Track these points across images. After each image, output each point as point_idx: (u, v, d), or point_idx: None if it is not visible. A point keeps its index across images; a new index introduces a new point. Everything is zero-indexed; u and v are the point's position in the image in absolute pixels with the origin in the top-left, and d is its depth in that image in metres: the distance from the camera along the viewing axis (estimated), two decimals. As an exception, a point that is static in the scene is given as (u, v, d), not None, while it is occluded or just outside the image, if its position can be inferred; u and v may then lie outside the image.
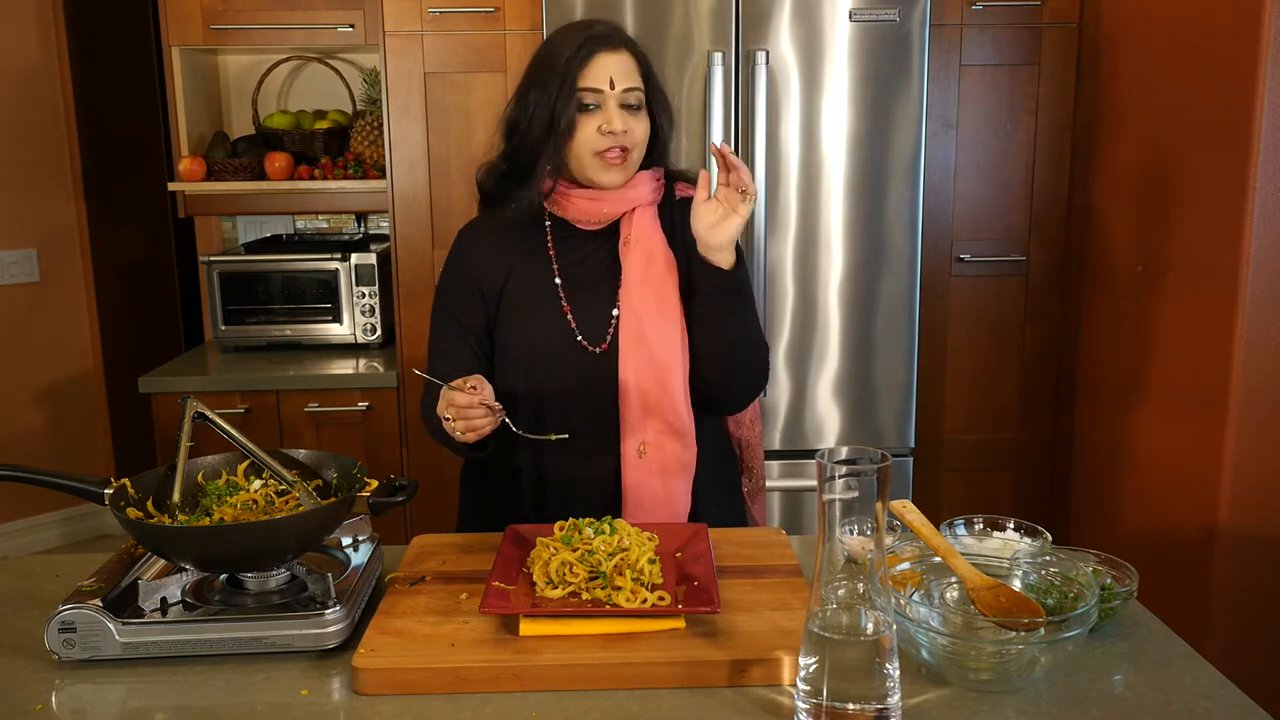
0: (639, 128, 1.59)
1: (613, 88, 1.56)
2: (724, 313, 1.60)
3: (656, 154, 1.67)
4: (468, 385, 1.43)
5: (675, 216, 1.67)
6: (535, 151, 1.59)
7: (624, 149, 1.58)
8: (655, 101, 1.63)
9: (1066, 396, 2.91)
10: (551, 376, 1.62)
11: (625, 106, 1.58)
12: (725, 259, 1.55)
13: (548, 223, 1.67)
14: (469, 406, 1.41)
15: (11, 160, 3.67)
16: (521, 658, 1.14)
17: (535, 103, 1.58)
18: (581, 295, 1.64)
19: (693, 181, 1.74)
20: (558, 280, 1.64)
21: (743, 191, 1.48)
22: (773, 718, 1.08)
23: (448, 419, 1.44)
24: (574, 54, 1.56)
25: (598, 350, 1.62)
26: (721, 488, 1.74)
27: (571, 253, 1.66)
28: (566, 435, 1.52)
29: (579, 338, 1.62)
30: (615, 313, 1.62)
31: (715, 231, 1.52)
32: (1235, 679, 1.14)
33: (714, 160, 1.51)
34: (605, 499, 1.61)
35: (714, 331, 1.61)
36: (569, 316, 1.62)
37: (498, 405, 1.44)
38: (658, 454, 1.60)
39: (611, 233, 1.66)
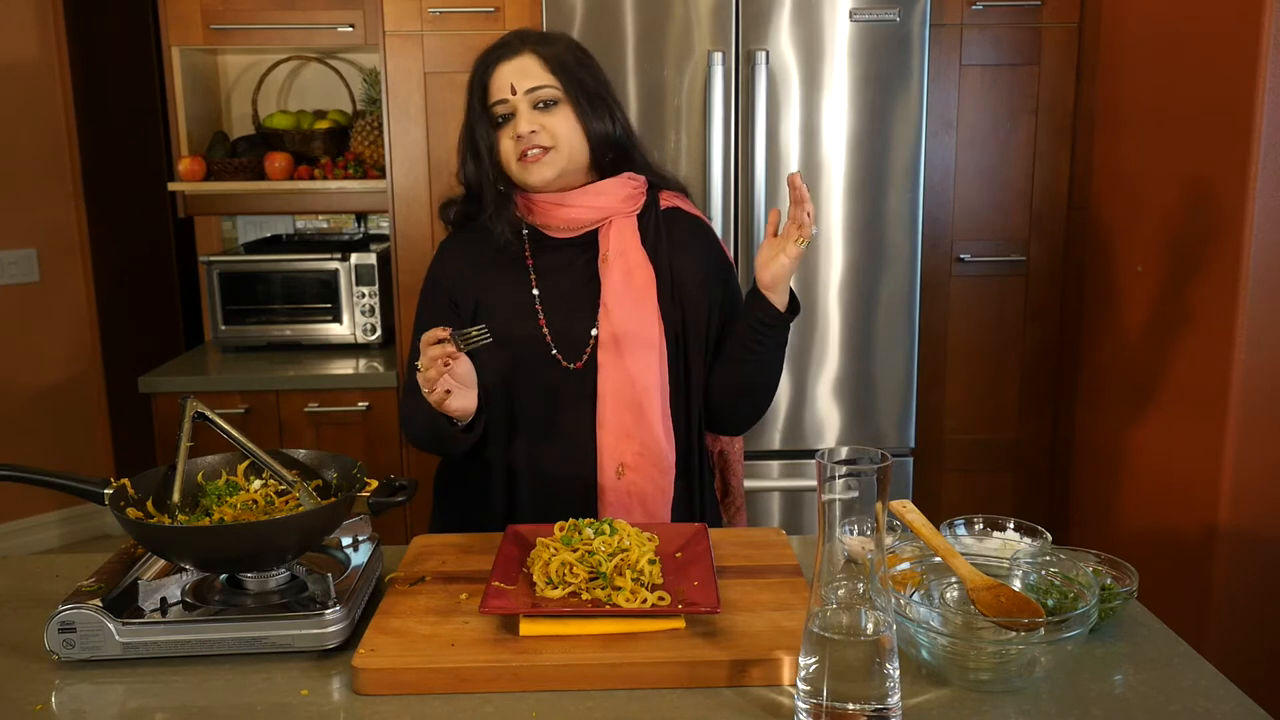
0: (555, 123, 1.55)
1: (515, 93, 1.55)
2: (754, 353, 1.57)
3: (619, 158, 1.62)
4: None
5: (660, 226, 1.64)
6: (480, 179, 1.60)
7: (542, 147, 1.55)
8: (577, 97, 1.56)
9: (1066, 396, 2.91)
10: (526, 388, 1.61)
11: (537, 107, 1.56)
12: (777, 300, 1.52)
13: (525, 232, 1.65)
14: (431, 343, 1.39)
15: (11, 160, 3.67)
16: (521, 658, 1.14)
17: (465, 134, 1.61)
18: (560, 311, 1.61)
19: (680, 190, 1.73)
20: (535, 292, 1.62)
21: (799, 228, 1.43)
22: (773, 718, 1.08)
23: (427, 391, 1.43)
24: (476, 76, 1.58)
25: (573, 367, 1.60)
26: (700, 505, 1.71)
27: (550, 264, 1.64)
28: (489, 337, 1.41)
29: (554, 352, 1.60)
30: (594, 332, 1.60)
31: (763, 270, 1.49)
32: (1235, 679, 1.14)
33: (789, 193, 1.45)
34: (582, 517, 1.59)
35: (736, 367, 1.60)
36: (544, 330, 1.60)
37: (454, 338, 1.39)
38: (636, 475, 1.58)
39: (590, 243, 1.63)
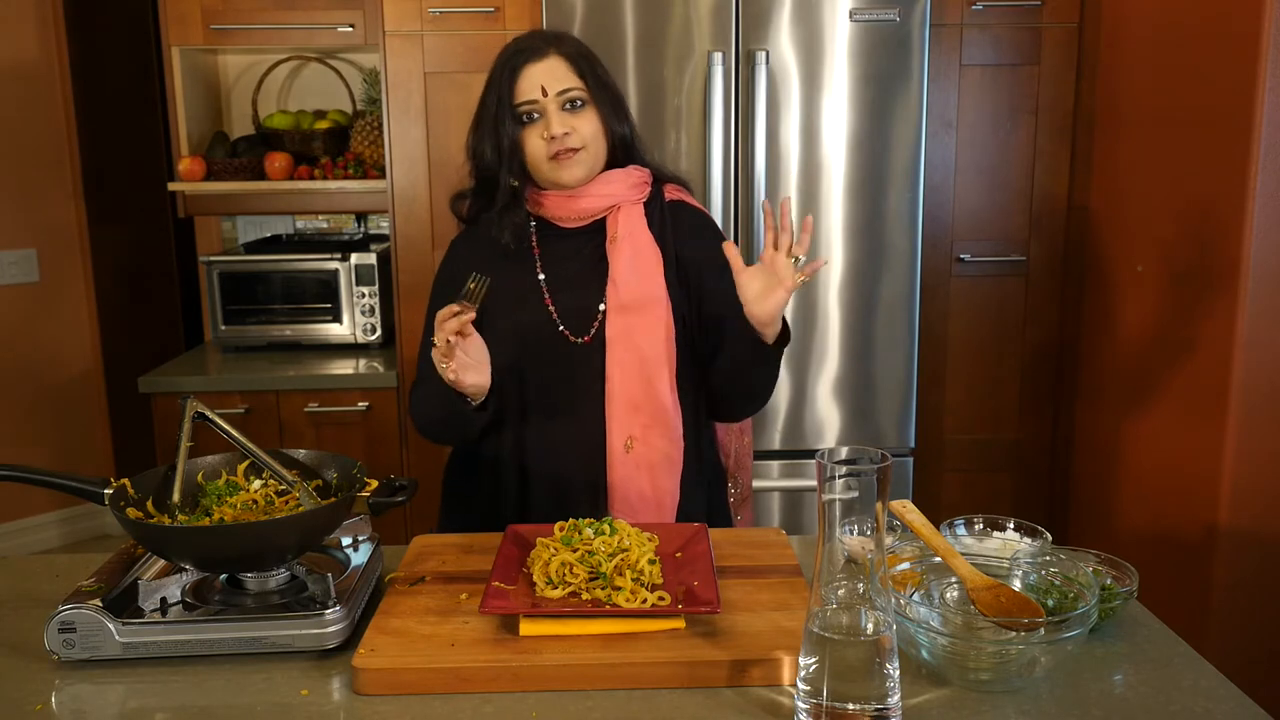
0: (584, 125, 1.60)
1: (545, 95, 1.58)
2: (750, 371, 1.58)
3: (623, 153, 1.66)
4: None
5: (665, 216, 1.68)
6: (495, 173, 1.63)
7: (573, 149, 1.59)
8: (600, 98, 1.62)
9: (1066, 396, 2.91)
10: (535, 367, 1.63)
11: (565, 108, 1.59)
12: (770, 333, 1.49)
13: (532, 224, 1.68)
14: (446, 318, 1.42)
15: (11, 160, 3.67)
16: (521, 658, 1.14)
17: (484, 129, 1.63)
18: (567, 290, 1.65)
19: (682, 184, 1.76)
20: (541, 276, 1.66)
21: (795, 259, 1.41)
22: (773, 718, 1.08)
23: (443, 367, 1.46)
24: (503, 75, 1.60)
25: (581, 341, 1.63)
26: (707, 496, 1.72)
27: (557, 250, 1.67)
28: (486, 279, 1.45)
29: (560, 328, 1.63)
30: (602, 307, 1.63)
31: (760, 304, 1.44)
32: (1235, 679, 1.14)
33: (763, 217, 1.45)
34: (592, 496, 1.61)
35: (731, 382, 1.62)
36: (550, 308, 1.64)
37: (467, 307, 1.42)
38: (645, 449, 1.60)
39: (597, 231, 1.66)
